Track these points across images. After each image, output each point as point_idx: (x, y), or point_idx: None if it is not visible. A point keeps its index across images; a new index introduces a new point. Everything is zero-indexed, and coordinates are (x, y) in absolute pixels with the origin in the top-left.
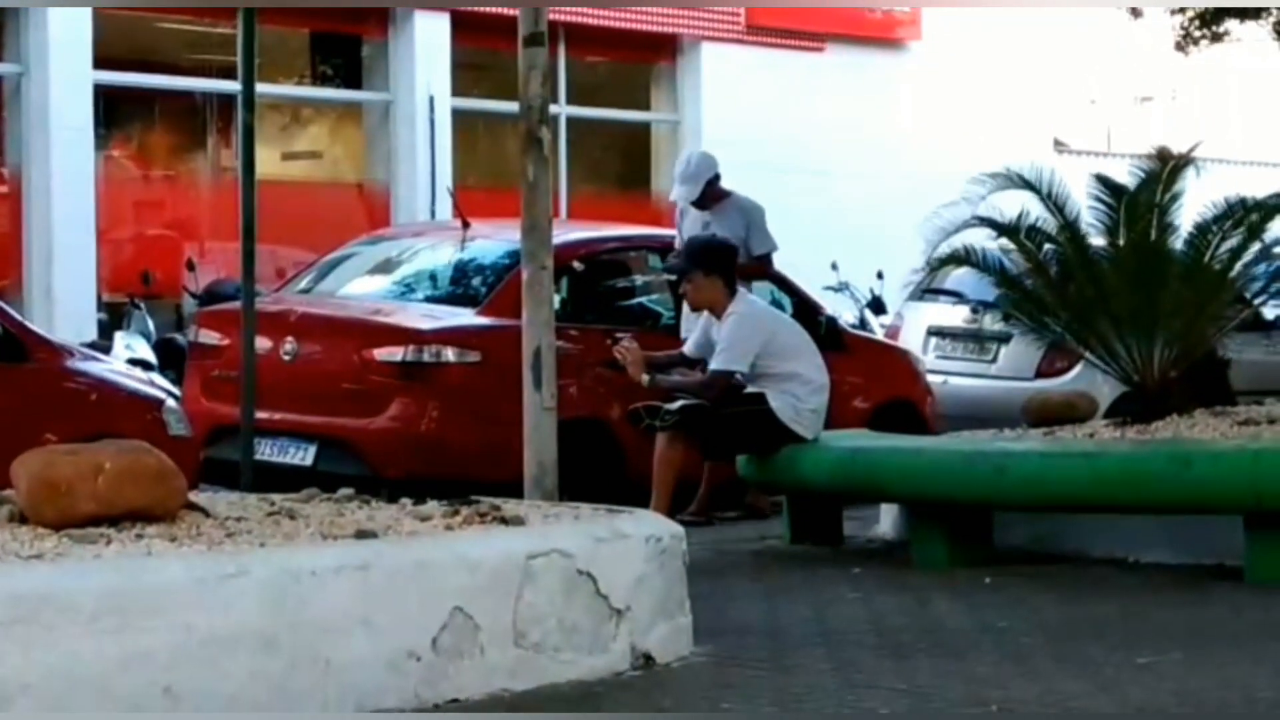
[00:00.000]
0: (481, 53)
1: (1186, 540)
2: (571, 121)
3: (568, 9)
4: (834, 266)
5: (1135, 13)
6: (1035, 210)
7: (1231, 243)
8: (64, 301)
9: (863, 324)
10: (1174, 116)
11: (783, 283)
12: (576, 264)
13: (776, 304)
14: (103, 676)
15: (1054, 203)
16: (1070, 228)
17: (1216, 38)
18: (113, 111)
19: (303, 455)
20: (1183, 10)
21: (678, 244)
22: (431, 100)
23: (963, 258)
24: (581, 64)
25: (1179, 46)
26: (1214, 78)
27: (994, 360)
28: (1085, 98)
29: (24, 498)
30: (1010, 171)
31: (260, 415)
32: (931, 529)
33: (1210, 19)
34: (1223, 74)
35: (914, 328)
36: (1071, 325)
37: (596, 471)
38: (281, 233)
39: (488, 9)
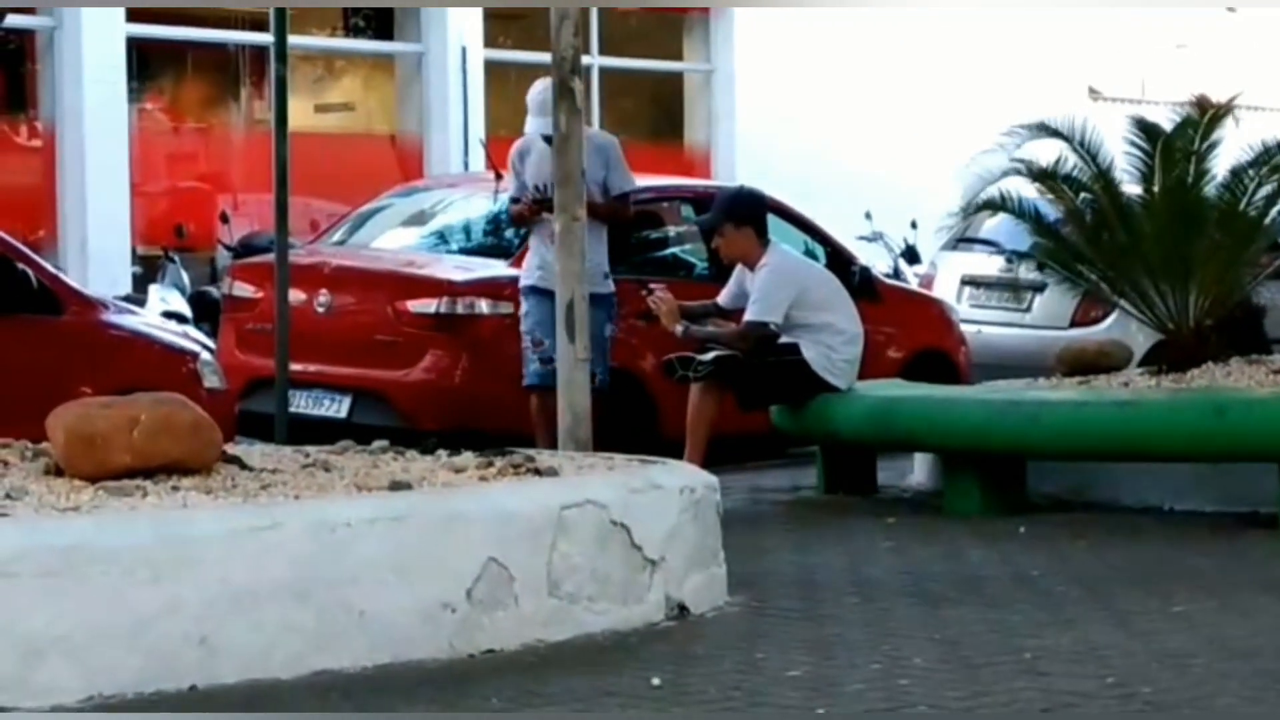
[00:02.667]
0: (513, 3)
1: (1221, 489)
2: (604, 72)
3: None
4: (868, 216)
5: None
6: (1071, 160)
7: (1267, 189)
8: (98, 255)
9: (896, 273)
10: (1210, 64)
11: (817, 232)
12: None
13: (810, 254)
14: (138, 627)
15: (1087, 151)
16: (1104, 175)
17: None
18: (145, 64)
19: (337, 407)
20: None
21: (511, 186)
22: (464, 51)
23: (998, 204)
24: (614, 14)
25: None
26: (1250, 25)
27: (1028, 309)
28: (1120, 44)
29: (60, 450)
30: (1043, 121)
31: (294, 368)
32: (965, 478)
33: None
34: (1259, 22)
35: (948, 277)
36: (1106, 274)
37: (630, 423)
38: (314, 185)
39: None
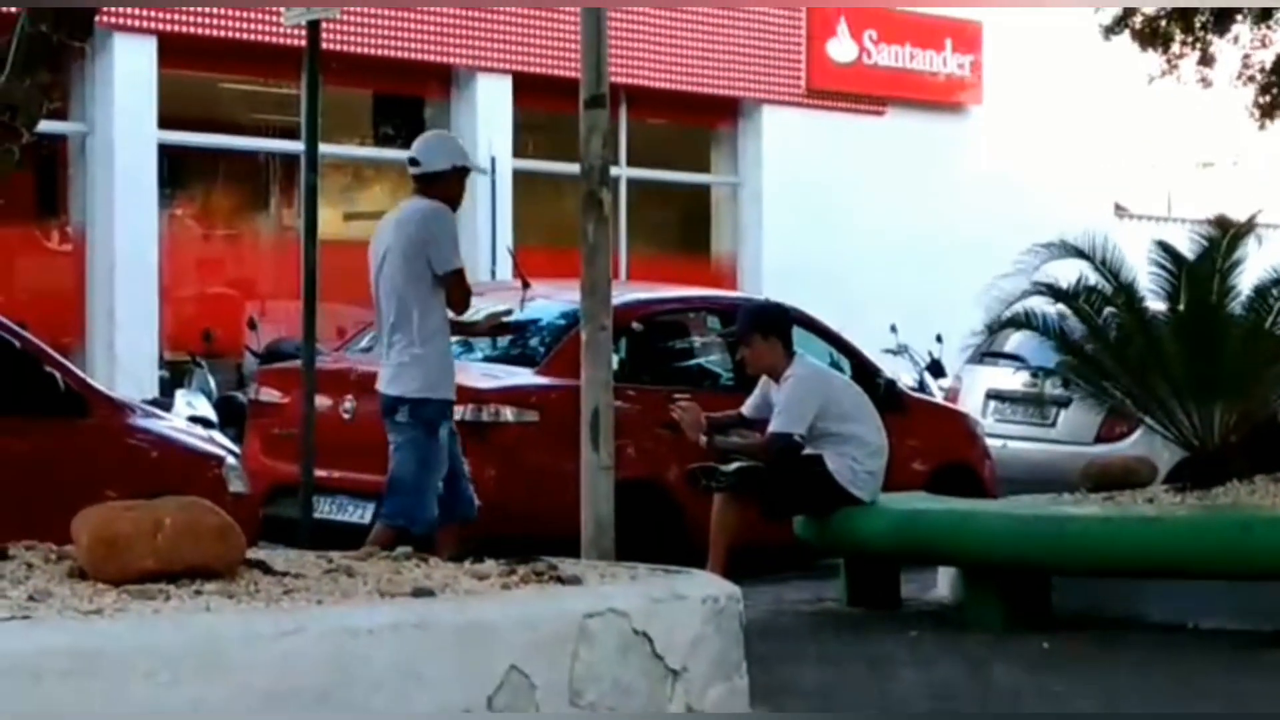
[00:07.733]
0: (542, 114)
1: (1246, 606)
2: (632, 183)
3: (629, 74)
4: (893, 329)
5: (1205, 83)
6: (1093, 278)
7: None
8: (126, 359)
9: (922, 386)
10: (1235, 182)
11: (842, 344)
12: (635, 325)
13: (835, 366)
14: None
15: (1108, 269)
16: (1127, 292)
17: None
18: (177, 171)
19: (361, 513)
20: (1252, 80)
21: None
22: (493, 161)
23: (1022, 321)
24: (642, 126)
25: (1258, 121)
26: (1276, 143)
27: (1053, 424)
28: (1146, 162)
29: (84, 553)
30: (1064, 241)
31: (319, 473)
32: (989, 592)
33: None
34: None
35: (973, 391)
36: (1131, 390)
37: (654, 532)
38: (342, 292)
39: (550, 71)
